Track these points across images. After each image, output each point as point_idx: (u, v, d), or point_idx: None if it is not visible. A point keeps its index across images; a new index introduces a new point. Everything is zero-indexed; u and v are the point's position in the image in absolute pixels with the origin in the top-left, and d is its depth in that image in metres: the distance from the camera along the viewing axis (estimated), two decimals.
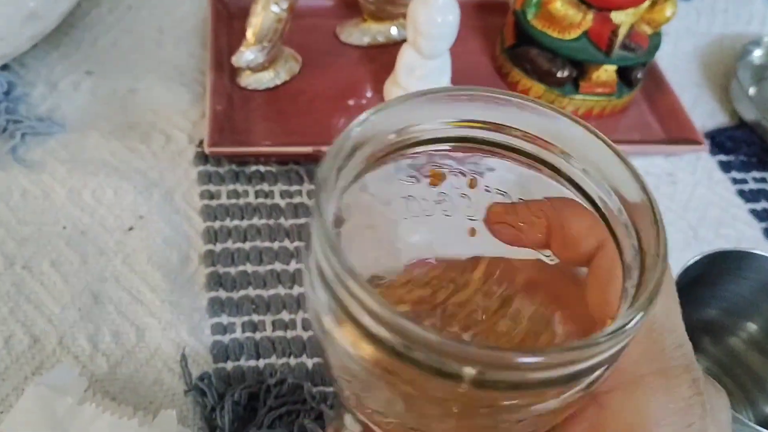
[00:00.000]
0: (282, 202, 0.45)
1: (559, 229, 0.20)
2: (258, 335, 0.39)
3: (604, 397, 0.18)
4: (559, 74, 0.51)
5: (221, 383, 0.36)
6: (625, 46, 0.51)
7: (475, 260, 0.22)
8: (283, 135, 0.48)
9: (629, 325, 0.15)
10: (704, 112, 0.57)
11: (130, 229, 0.42)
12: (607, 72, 0.51)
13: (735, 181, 0.53)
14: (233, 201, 0.45)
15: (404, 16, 0.49)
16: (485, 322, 0.21)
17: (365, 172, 0.18)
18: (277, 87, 0.51)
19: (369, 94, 0.52)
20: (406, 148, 0.19)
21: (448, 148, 0.20)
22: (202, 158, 0.47)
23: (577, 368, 0.15)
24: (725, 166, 0.54)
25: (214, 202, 0.45)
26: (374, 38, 0.55)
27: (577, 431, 0.18)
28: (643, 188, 0.17)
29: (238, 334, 0.39)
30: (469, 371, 0.14)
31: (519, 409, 0.16)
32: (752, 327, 0.41)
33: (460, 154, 0.20)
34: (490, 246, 0.21)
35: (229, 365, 0.37)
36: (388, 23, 0.55)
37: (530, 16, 0.52)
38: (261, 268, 0.42)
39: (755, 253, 0.38)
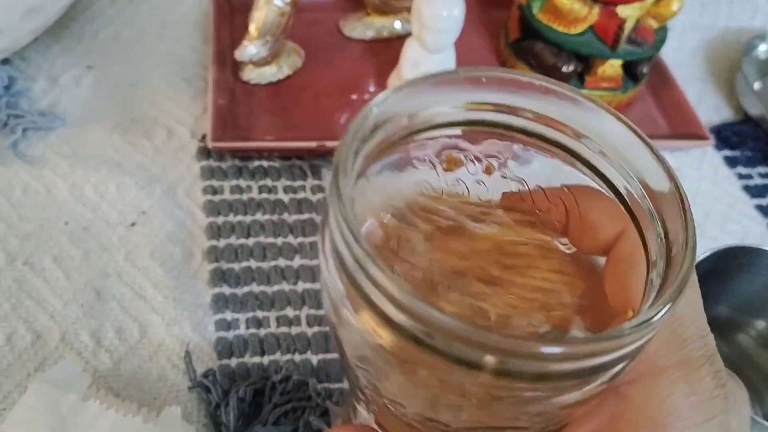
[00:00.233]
0: (285, 198, 0.45)
1: (577, 217, 0.20)
2: (262, 331, 0.38)
3: (625, 388, 0.17)
4: (564, 69, 0.51)
5: (226, 380, 0.36)
6: (631, 41, 0.50)
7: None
8: (286, 130, 0.48)
9: (656, 318, 0.15)
10: (709, 107, 0.57)
11: (133, 224, 0.42)
12: (612, 67, 0.51)
13: (740, 176, 0.52)
14: (236, 196, 0.44)
15: (408, 10, 0.48)
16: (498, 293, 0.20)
17: (381, 155, 0.18)
18: (280, 81, 0.51)
19: (372, 89, 0.52)
20: (421, 132, 0.18)
21: (461, 132, 0.19)
22: (205, 153, 0.46)
23: (601, 360, 0.15)
24: (731, 162, 0.53)
25: (217, 198, 0.44)
26: (378, 32, 0.55)
27: (597, 422, 0.17)
28: (670, 176, 0.17)
29: (242, 330, 0.38)
30: (491, 360, 0.14)
31: (540, 400, 0.15)
32: (761, 324, 0.40)
33: (476, 139, 0.19)
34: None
35: (234, 362, 0.37)
36: (391, 17, 0.55)
37: (535, 9, 0.51)
38: (265, 264, 0.41)
39: (765, 250, 0.38)
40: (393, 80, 0.51)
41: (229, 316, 0.39)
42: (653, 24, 0.51)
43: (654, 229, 0.17)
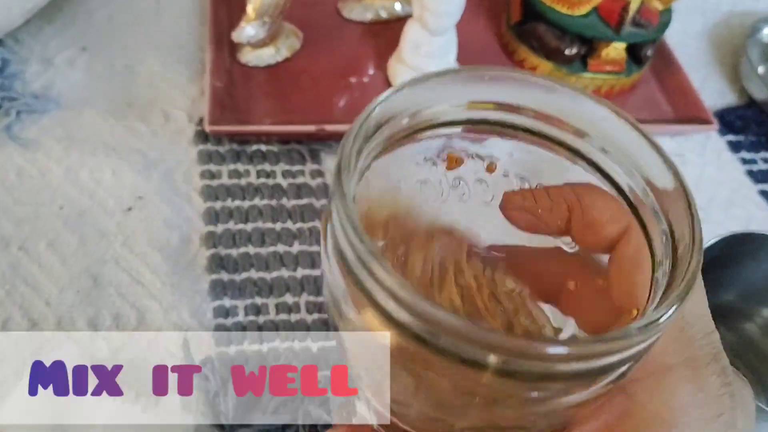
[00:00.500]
0: (284, 182, 0.44)
1: (579, 215, 0.19)
2: (261, 318, 0.38)
3: (632, 386, 0.17)
4: (567, 52, 0.50)
5: (224, 368, 0.35)
6: (635, 23, 0.49)
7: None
8: (284, 113, 0.47)
9: (663, 319, 0.14)
10: (713, 91, 0.56)
11: (129, 209, 0.41)
12: (616, 49, 0.50)
13: (744, 161, 0.52)
14: (234, 181, 0.44)
15: None
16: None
17: (382, 153, 0.18)
18: (277, 64, 0.50)
19: (372, 72, 0.51)
20: (422, 131, 0.18)
21: (462, 130, 0.19)
22: (202, 137, 0.46)
23: (607, 361, 0.14)
24: (734, 146, 0.53)
25: (215, 182, 0.44)
26: (377, 14, 0.54)
27: (604, 420, 0.17)
28: (675, 173, 0.16)
29: (240, 317, 0.38)
30: (494, 359, 0.14)
31: (545, 401, 0.15)
32: (767, 312, 0.40)
33: (478, 137, 0.19)
34: (507, 233, 0.20)
35: (232, 349, 0.37)
36: None
37: None
38: (263, 250, 0.41)
39: None
40: (393, 63, 0.50)
41: (227, 302, 0.38)
42: (658, 6, 0.50)
43: (659, 227, 0.17)
